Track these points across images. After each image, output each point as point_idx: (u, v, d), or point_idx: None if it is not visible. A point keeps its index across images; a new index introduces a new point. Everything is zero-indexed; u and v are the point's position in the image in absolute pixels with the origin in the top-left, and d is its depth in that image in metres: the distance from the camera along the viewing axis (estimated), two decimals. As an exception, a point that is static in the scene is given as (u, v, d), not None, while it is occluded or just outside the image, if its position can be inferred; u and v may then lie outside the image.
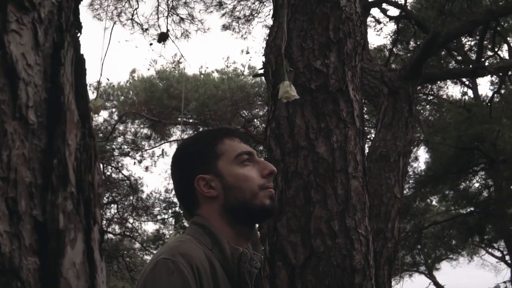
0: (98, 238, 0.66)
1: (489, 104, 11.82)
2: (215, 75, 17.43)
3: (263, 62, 3.34)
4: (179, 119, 14.90)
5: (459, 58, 12.47)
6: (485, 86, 66.13)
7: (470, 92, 16.49)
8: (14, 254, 0.55)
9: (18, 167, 0.57)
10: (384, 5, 10.09)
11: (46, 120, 0.60)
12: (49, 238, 0.58)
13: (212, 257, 1.51)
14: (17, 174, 0.56)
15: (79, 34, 0.68)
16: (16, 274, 0.55)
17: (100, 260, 0.65)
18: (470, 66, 10.77)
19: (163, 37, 5.23)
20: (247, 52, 19.16)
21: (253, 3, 12.69)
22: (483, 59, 10.34)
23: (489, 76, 12.82)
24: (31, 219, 0.57)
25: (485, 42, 9.39)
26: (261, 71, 3.52)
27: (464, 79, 14.64)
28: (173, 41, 9.36)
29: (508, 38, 12.47)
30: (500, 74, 8.71)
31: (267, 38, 3.37)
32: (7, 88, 0.56)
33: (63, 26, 0.64)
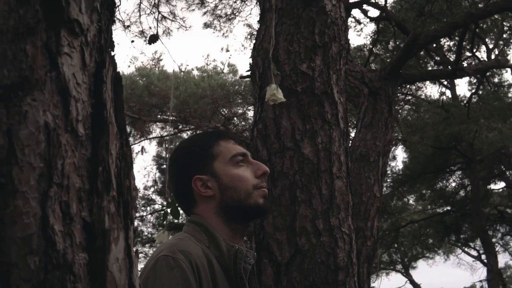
0: (132, 236, 0.74)
1: (467, 105, 12.00)
2: (195, 72, 17.48)
3: (250, 64, 3.41)
4: (167, 117, 14.92)
5: (438, 58, 12.65)
6: (463, 86, 66.72)
7: (448, 92, 16.72)
8: (67, 250, 0.63)
9: (70, 174, 0.65)
10: (365, 6, 10.22)
11: (91, 132, 0.68)
12: (96, 237, 0.66)
13: (210, 254, 1.59)
14: (69, 181, 0.64)
15: (113, 53, 0.75)
16: (69, 268, 0.63)
17: (135, 256, 0.73)
18: (449, 67, 10.94)
19: (153, 39, 5.29)
20: (227, 50, 19.22)
21: (235, 2, 12.77)
22: (461, 61, 10.51)
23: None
24: (80, 220, 0.65)
25: (464, 43, 9.57)
26: (248, 73, 3.60)
27: (442, 80, 14.84)
28: (162, 43, 9.38)
29: (487, 39, 12.67)
30: (478, 75, 8.88)
31: (255, 41, 3.44)
32: (60, 105, 0.64)
33: (103, 47, 0.72)
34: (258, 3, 3.79)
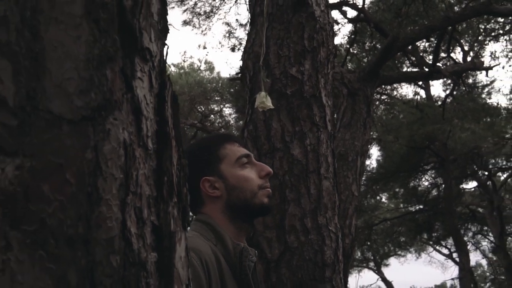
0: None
1: (441, 105, 12.20)
2: (172, 69, 17.49)
3: (240, 67, 3.50)
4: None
5: (413, 59, 12.84)
6: (437, 86, 67.39)
7: (423, 92, 16.95)
8: (141, 250, 0.72)
9: (142, 183, 0.74)
10: (343, 7, 10.36)
11: (157, 146, 0.77)
12: (163, 238, 0.75)
13: (217, 252, 1.69)
14: (141, 189, 0.74)
15: (168, 72, 0.85)
16: (143, 266, 0.72)
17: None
18: (425, 68, 11.13)
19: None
20: (204, 47, 19.25)
21: (214, 0, 12.84)
22: (438, 62, 10.69)
23: (442, 77, 13.18)
24: (150, 223, 0.74)
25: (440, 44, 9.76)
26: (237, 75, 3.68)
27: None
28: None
29: (462, 41, 12.89)
30: (454, 77, 9.09)
31: (245, 44, 3.54)
32: (134, 122, 0.73)
33: (163, 72, 0.81)
34: (248, 7, 3.88)
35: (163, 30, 0.83)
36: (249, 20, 3.70)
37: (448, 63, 12.42)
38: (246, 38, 3.57)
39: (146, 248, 0.73)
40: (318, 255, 3.02)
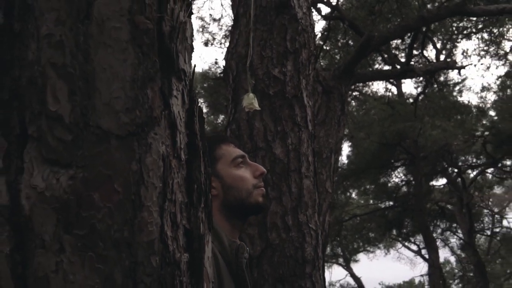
0: (210, 238, 0.92)
1: (413, 103, 12.36)
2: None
3: (224, 67, 3.57)
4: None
5: (386, 56, 12.99)
6: (409, 84, 68.01)
7: (394, 89, 17.10)
8: (175, 251, 0.81)
9: (176, 191, 0.82)
10: (318, 4, 10.47)
11: (187, 157, 0.86)
12: (194, 240, 0.84)
13: (214, 248, 1.76)
14: (176, 196, 0.82)
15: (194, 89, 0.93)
16: (177, 266, 0.80)
17: (212, 255, 0.91)
18: (398, 66, 11.30)
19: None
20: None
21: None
22: (411, 60, 10.85)
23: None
24: (182, 227, 0.83)
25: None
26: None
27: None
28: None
29: (434, 38, 13.09)
30: (427, 76, 9.25)
31: (228, 44, 3.61)
32: (170, 136, 0.82)
33: (192, 88, 0.89)
34: (232, 7, 3.95)
35: (192, 50, 0.91)
36: (232, 20, 3.77)
37: (420, 61, 12.60)
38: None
39: (180, 249, 0.81)
40: (298, 252, 3.11)
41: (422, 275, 20.34)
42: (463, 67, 9.72)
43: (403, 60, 12.40)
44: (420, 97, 13.26)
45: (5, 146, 0.74)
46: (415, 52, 12.04)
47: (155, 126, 0.79)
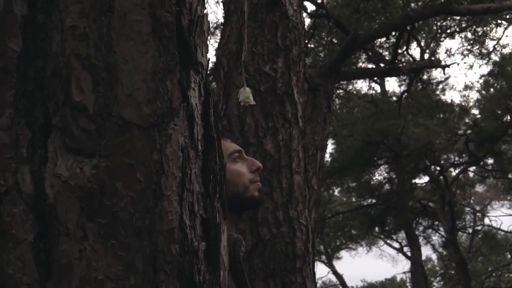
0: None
1: (398, 102, 12.43)
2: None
3: (214, 63, 3.59)
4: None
5: (370, 54, 13.05)
6: (392, 82, 68.26)
7: (378, 87, 17.19)
8: (193, 240, 0.82)
9: (193, 181, 0.84)
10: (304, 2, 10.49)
11: (204, 149, 0.88)
12: (210, 229, 0.86)
13: (211, 242, 1.78)
14: (193, 186, 0.84)
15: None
16: (195, 254, 0.82)
17: (226, 244, 0.93)
18: (382, 64, 11.36)
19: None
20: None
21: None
22: (396, 58, 10.92)
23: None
24: (200, 216, 0.85)
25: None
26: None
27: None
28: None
29: (419, 37, 13.17)
30: (412, 74, 9.32)
31: (219, 40, 3.62)
32: (188, 128, 0.83)
33: (207, 81, 0.91)
34: (223, 4, 3.97)
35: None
36: (223, 17, 3.79)
37: (403, 59, 12.67)
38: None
39: (197, 238, 0.83)
40: (289, 247, 3.13)
41: (404, 273, 20.48)
42: (448, 65, 9.80)
43: (387, 58, 12.46)
44: (404, 95, 13.33)
45: (29, 136, 0.75)
46: (400, 51, 12.10)
47: (175, 117, 0.81)
